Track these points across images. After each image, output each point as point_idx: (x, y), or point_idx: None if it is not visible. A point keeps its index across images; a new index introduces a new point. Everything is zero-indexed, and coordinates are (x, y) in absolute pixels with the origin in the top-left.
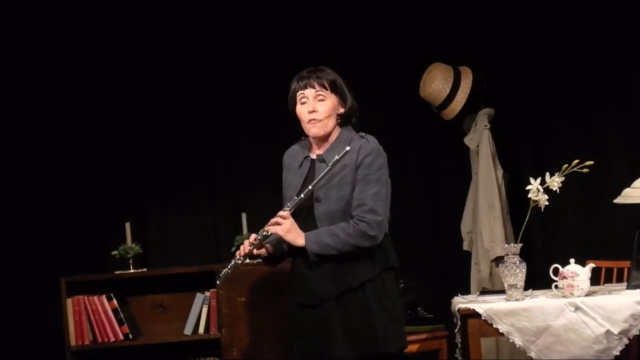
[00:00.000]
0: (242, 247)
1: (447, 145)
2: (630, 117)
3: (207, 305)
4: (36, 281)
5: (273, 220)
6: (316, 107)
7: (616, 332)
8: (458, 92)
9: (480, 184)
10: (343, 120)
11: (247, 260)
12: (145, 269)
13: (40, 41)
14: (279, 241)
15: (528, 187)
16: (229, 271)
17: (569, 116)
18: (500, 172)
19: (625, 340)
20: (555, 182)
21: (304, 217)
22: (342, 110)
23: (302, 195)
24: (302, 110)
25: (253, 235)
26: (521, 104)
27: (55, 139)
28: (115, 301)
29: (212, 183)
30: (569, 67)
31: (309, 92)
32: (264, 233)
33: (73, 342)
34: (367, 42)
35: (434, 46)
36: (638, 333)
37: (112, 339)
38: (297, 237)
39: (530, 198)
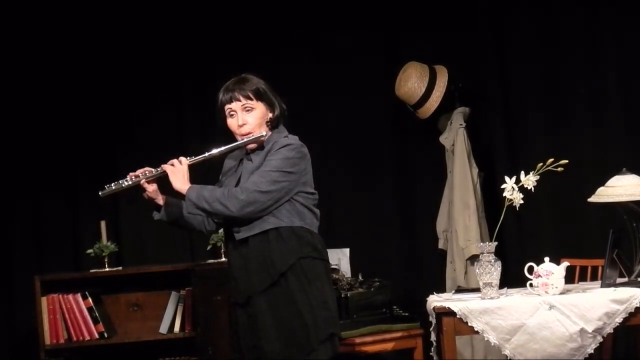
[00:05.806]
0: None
1: (423, 144)
2: (604, 115)
3: (182, 304)
4: (10, 280)
5: (170, 161)
6: (245, 119)
7: (590, 331)
8: (433, 91)
9: (455, 182)
10: (273, 124)
11: (131, 184)
12: (120, 268)
13: None
14: (180, 207)
15: (503, 186)
16: (113, 187)
17: (544, 115)
18: (475, 170)
19: (600, 339)
20: (530, 180)
21: None
22: (270, 115)
23: (206, 154)
24: (232, 124)
25: (149, 168)
26: (496, 103)
27: (27, 134)
28: (90, 300)
29: None
30: (544, 66)
31: (236, 105)
32: (159, 170)
33: (47, 341)
34: (343, 40)
35: (410, 44)
36: (612, 331)
37: (87, 338)
38: (182, 183)
39: (505, 197)
